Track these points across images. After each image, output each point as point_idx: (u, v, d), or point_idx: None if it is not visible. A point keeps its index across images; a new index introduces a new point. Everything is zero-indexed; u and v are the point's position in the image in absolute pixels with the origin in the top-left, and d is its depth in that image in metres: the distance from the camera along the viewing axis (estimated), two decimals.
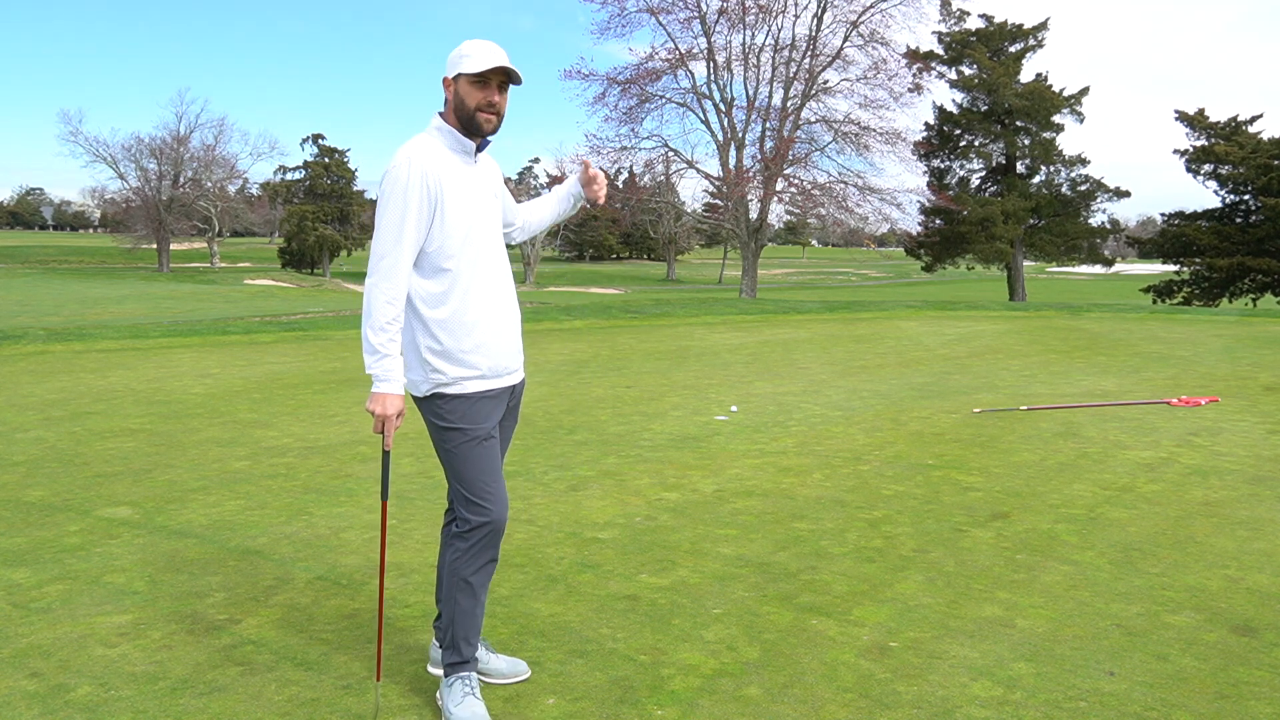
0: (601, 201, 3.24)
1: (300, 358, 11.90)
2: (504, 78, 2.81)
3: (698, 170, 33.52)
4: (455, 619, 2.90)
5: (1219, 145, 38.55)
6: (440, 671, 3.10)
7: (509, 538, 4.50)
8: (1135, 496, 5.25)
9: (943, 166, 44.27)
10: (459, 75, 2.78)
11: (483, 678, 3.06)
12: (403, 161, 2.76)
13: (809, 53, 32.17)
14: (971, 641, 3.36)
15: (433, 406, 2.87)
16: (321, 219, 73.16)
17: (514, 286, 3.05)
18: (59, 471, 5.85)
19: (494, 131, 2.85)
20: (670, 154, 33.12)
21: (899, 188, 33.18)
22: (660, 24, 31.52)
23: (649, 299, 31.01)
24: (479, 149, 2.92)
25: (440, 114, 2.89)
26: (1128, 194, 42.98)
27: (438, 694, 2.97)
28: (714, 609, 3.66)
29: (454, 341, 2.82)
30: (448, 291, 2.82)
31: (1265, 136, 38.27)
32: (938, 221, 42.42)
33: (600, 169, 3.24)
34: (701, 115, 32.87)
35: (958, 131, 43.34)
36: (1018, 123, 42.01)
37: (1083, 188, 42.77)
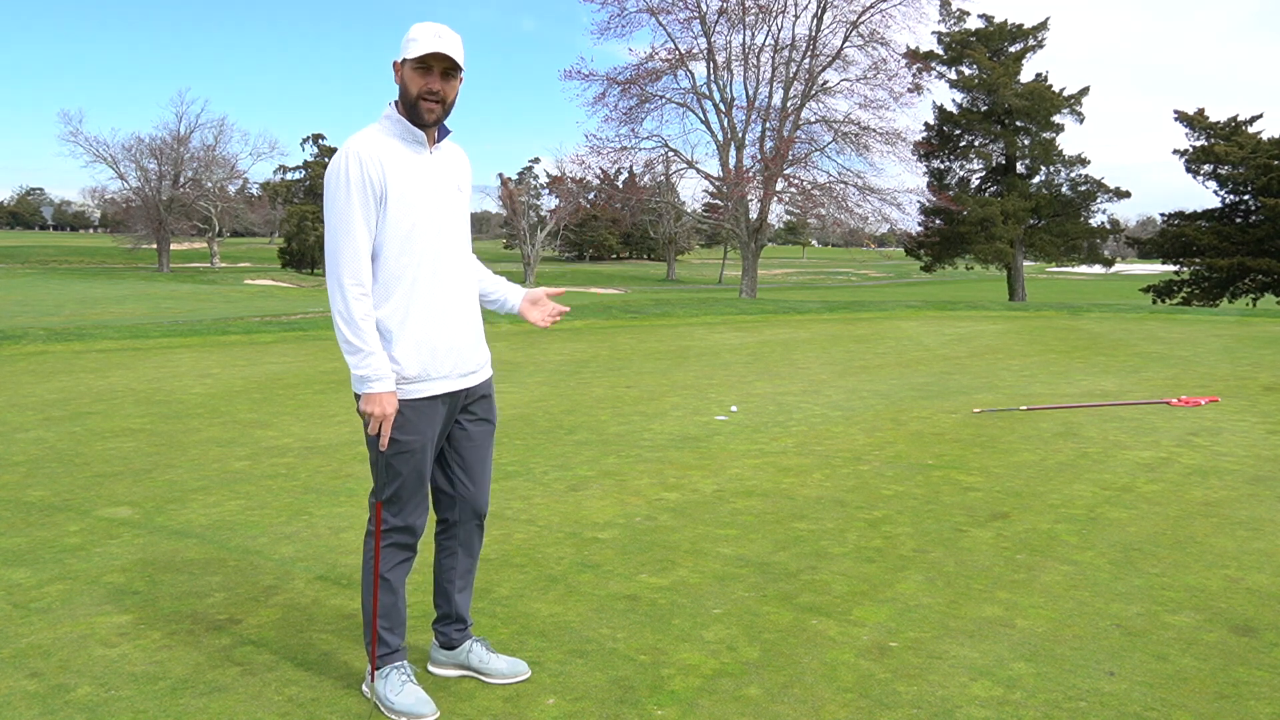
0: (540, 324, 3.10)
1: (300, 358, 11.90)
2: (447, 64, 2.67)
3: (698, 170, 33.56)
4: (377, 613, 2.88)
5: (1219, 145, 38.60)
6: (444, 671, 3.11)
7: (509, 538, 4.50)
8: (1135, 496, 5.25)
9: (943, 167, 44.30)
10: (405, 60, 2.67)
11: (483, 678, 3.06)
12: (343, 154, 2.69)
13: (809, 53, 32.18)
14: (971, 641, 3.36)
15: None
16: (321, 219, 73.07)
17: (473, 284, 2.96)
18: (59, 471, 5.85)
19: (437, 121, 2.73)
20: (670, 154, 33.17)
21: (899, 188, 33.26)
22: (660, 24, 31.58)
23: (649, 299, 31.01)
24: (440, 138, 2.82)
25: (393, 103, 2.78)
26: (1128, 194, 43.03)
27: (363, 687, 2.96)
28: (714, 609, 3.66)
29: (395, 339, 2.75)
30: (390, 287, 2.73)
31: (1265, 136, 38.34)
32: (938, 221, 42.45)
33: (548, 315, 3.09)
34: (701, 115, 32.91)
35: (958, 132, 43.38)
36: (1018, 123, 42.05)
37: (1083, 188, 42.82)
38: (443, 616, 3.12)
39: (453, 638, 3.10)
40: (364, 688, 2.97)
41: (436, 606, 3.14)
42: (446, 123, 2.83)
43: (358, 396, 2.79)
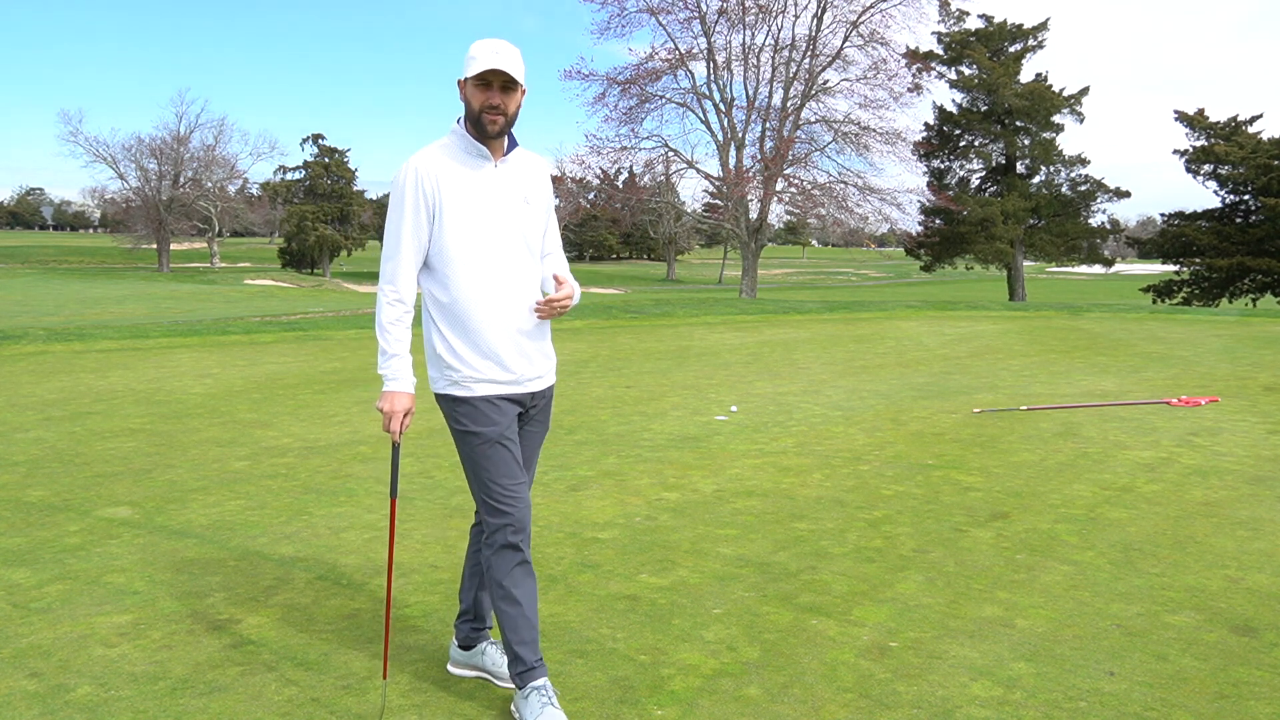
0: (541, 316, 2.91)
1: (300, 358, 11.90)
2: (504, 79, 2.77)
3: (698, 170, 33.53)
4: (504, 627, 2.86)
5: (1219, 145, 38.61)
6: (461, 671, 3.13)
7: None
8: (1135, 496, 5.25)
9: (943, 166, 44.33)
10: (467, 78, 2.79)
11: (495, 681, 3.05)
12: (403, 167, 2.83)
13: (809, 53, 32.17)
14: (971, 641, 3.36)
15: (448, 408, 2.89)
16: (321, 219, 73.17)
17: (539, 291, 2.97)
18: (59, 471, 5.85)
19: (501, 132, 2.82)
20: (670, 154, 33.12)
21: (899, 188, 33.21)
22: (660, 24, 31.55)
23: (649, 299, 31.01)
24: (508, 150, 2.89)
25: (460, 118, 2.88)
26: (1128, 194, 43.06)
27: (512, 707, 2.87)
28: (714, 609, 3.66)
29: (460, 344, 2.84)
30: (452, 294, 2.84)
31: (1265, 136, 38.37)
32: (938, 221, 42.45)
33: (550, 304, 2.87)
34: (701, 115, 32.89)
35: (958, 131, 43.40)
36: (1018, 123, 42.06)
37: (1083, 188, 42.84)
38: (464, 612, 3.14)
39: (470, 636, 3.12)
40: (512, 708, 2.87)
41: (460, 599, 3.17)
42: (515, 134, 2.90)
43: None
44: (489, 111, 2.78)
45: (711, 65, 32.34)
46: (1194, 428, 7.15)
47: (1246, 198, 39.34)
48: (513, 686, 3.01)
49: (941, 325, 16.86)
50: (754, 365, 11.22)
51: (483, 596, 3.12)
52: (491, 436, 2.85)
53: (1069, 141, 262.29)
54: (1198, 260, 39.55)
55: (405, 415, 2.81)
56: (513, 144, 2.91)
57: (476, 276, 2.83)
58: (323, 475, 5.77)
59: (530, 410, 3.00)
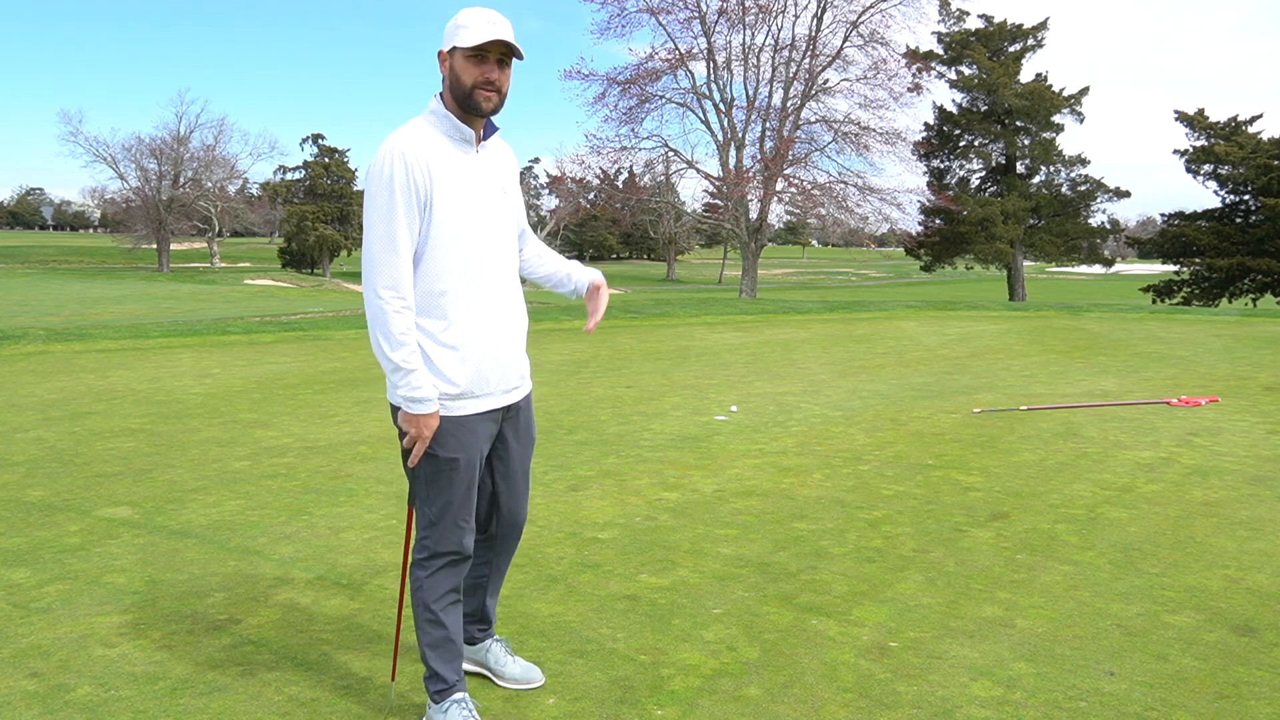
0: (588, 329, 2.90)
1: (300, 358, 11.90)
2: (504, 51, 2.51)
3: (698, 170, 33.55)
4: (425, 643, 2.74)
5: (1219, 145, 38.64)
6: (464, 665, 3.05)
7: None
8: (1135, 496, 5.25)
9: (943, 166, 44.36)
10: (454, 49, 2.51)
11: (496, 680, 3.05)
12: (387, 153, 2.50)
13: (809, 53, 32.19)
14: (971, 641, 3.36)
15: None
16: (321, 219, 73.22)
17: (520, 294, 2.80)
18: (59, 471, 5.85)
19: (494, 111, 2.56)
20: (670, 154, 33.16)
21: (899, 188, 33.25)
22: (660, 24, 31.57)
23: (649, 299, 31.01)
24: (487, 135, 2.65)
25: (439, 95, 2.62)
26: (1128, 194, 43.09)
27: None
28: (714, 609, 3.66)
29: (434, 352, 2.58)
30: (433, 298, 2.57)
31: (1265, 136, 38.41)
32: (938, 221, 42.48)
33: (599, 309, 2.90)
34: (701, 115, 32.92)
35: (957, 131, 43.42)
36: (1017, 123, 42.09)
37: (1083, 188, 42.87)
38: (468, 614, 3.05)
39: (474, 635, 3.08)
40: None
41: (464, 603, 3.09)
42: (495, 120, 2.67)
43: (394, 409, 2.64)
44: (484, 87, 2.51)
45: (711, 65, 32.37)
46: (1194, 428, 7.15)
47: (1246, 198, 39.37)
48: (511, 686, 3.01)
49: (941, 325, 16.86)
50: (754, 365, 11.22)
51: (488, 601, 3.07)
52: (459, 465, 2.62)
53: (1069, 141, 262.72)
54: (1198, 260, 39.58)
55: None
56: (492, 129, 2.66)
57: (463, 276, 2.59)
58: (323, 475, 5.77)
59: (512, 418, 2.81)
